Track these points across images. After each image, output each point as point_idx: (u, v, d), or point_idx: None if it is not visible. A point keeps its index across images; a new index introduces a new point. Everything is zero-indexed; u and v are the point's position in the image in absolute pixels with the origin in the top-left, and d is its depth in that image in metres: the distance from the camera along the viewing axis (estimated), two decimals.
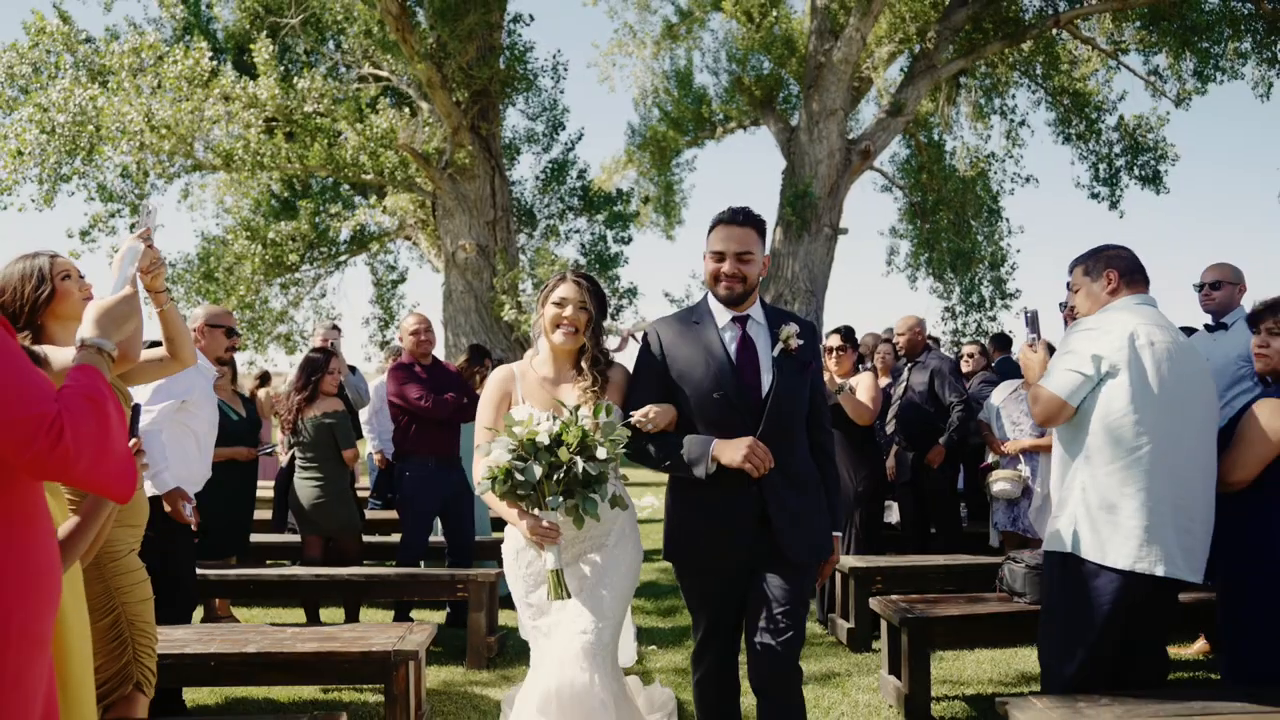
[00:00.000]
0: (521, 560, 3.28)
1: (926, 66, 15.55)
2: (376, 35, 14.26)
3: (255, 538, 6.19)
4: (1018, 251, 18.02)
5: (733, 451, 2.99)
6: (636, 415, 3.08)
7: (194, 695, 4.43)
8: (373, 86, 15.28)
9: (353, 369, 8.03)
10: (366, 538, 6.54)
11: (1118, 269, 3.47)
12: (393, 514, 7.47)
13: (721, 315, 3.21)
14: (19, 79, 15.16)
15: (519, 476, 2.89)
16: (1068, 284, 3.66)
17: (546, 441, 2.90)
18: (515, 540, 3.30)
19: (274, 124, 14.16)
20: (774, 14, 16.80)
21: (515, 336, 13.96)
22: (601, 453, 2.90)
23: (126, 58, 13.82)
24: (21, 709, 1.80)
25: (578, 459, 2.89)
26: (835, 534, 3.32)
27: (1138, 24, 16.08)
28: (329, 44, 16.93)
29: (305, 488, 5.85)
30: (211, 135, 14.00)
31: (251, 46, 13.85)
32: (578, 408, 3.05)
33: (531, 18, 14.16)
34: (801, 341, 3.15)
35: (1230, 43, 15.57)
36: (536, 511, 3.02)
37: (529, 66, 13.98)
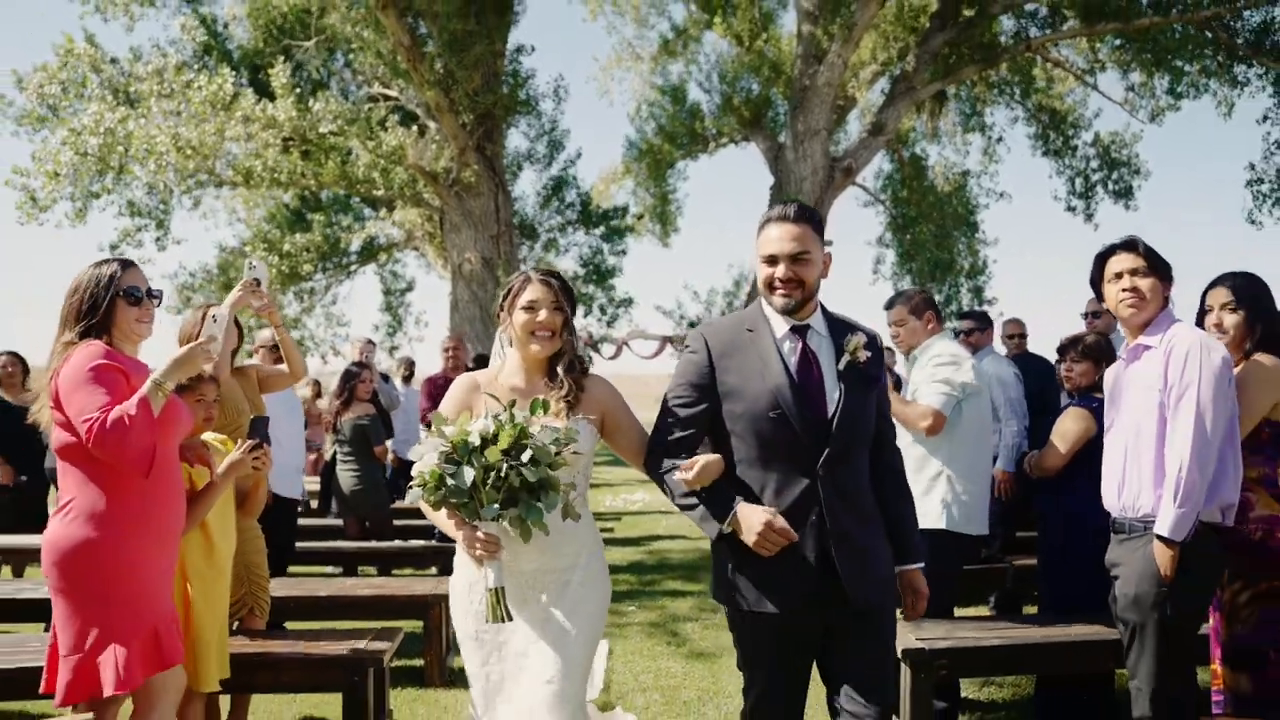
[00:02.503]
0: (475, 594, 3.01)
1: (906, 88, 16.94)
2: (387, 59, 15.67)
3: (302, 521, 7.59)
4: (994, 261, 19.46)
5: (748, 530, 2.73)
6: (681, 472, 2.79)
7: None
8: (382, 106, 16.70)
9: (385, 377, 9.48)
10: (395, 521, 7.98)
11: (933, 310, 4.90)
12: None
13: (779, 324, 2.92)
14: (48, 98, 16.60)
15: (450, 482, 2.72)
16: (889, 320, 5.01)
17: (478, 442, 2.72)
18: (467, 571, 3.07)
19: (290, 142, 15.61)
20: (763, 36, 18.22)
21: None
22: (543, 447, 2.73)
23: (153, 81, 15.19)
24: (151, 604, 3.11)
25: (518, 463, 2.71)
26: (916, 566, 3.04)
27: (1117, 41, 17.35)
28: (339, 62, 18.42)
29: (345, 478, 7.30)
30: (232, 154, 15.44)
31: (270, 72, 15.25)
32: (513, 403, 2.84)
33: (533, 48, 15.62)
34: (870, 354, 2.91)
35: (1196, 62, 16.85)
36: (476, 523, 2.83)
37: (530, 93, 15.38)
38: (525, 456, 2.71)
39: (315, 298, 18.34)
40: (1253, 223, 16.53)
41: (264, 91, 15.59)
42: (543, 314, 3.02)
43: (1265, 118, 16.08)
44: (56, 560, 3.07)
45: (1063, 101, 18.80)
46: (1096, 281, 3.75)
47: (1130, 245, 3.60)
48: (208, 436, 3.82)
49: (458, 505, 2.77)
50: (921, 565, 3.06)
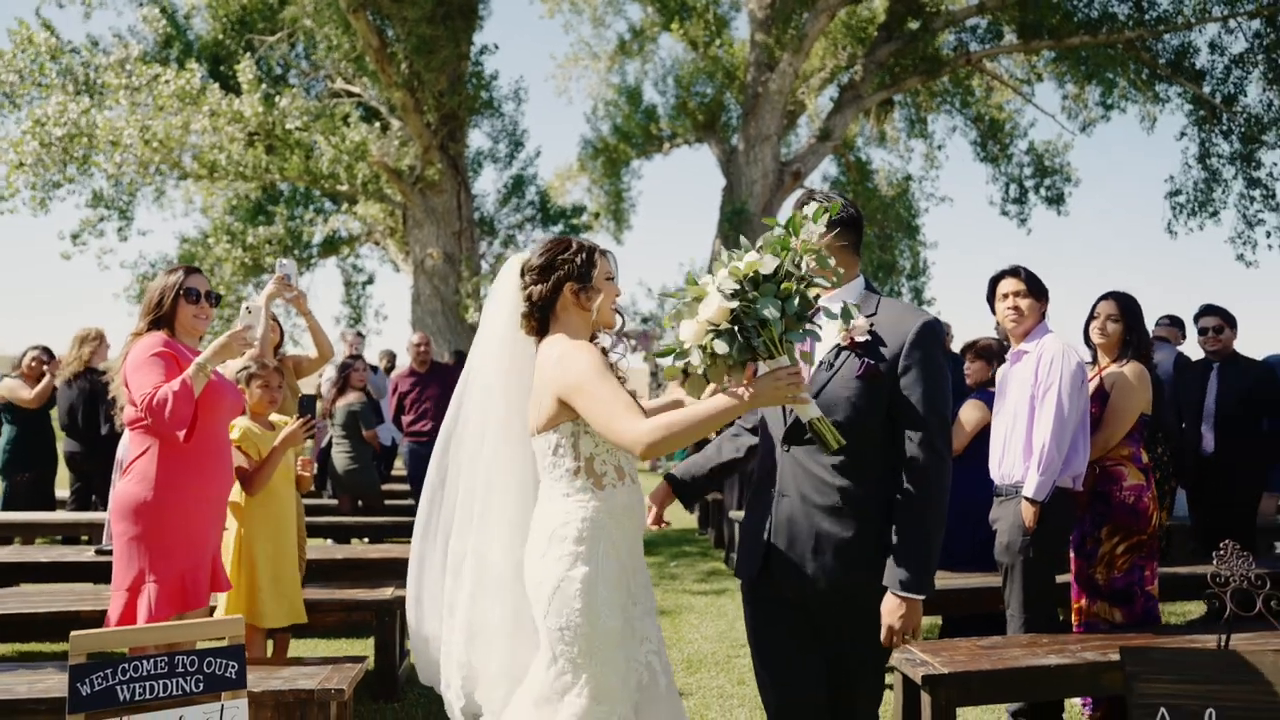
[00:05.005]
0: (617, 591, 2.82)
1: (854, 96, 18.16)
2: (351, 54, 16.35)
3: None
4: (934, 263, 20.85)
5: None
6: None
7: None
8: (346, 102, 17.42)
9: (374, 369, 10.36)
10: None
11: None
12: (398, 484, 9.88)
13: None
14: (4, 85, 16.99)
15: (750, 325, 2.53)
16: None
17: (771, 270, 2.53)
18: (608, 566, 2.82)
19: (255, 137, 16.26)
20: (718, 42, 19.30)
21: None
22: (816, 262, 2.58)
23: (117, 74, 15.74)
24: (182, 554, 3.71)
25: (806, 281, 2.57)
26: (909, 596, 2.72)
27: (1052, 55, 18.65)
28: (299, 56, 19.08)
29: (340, 459, 8.20)
30: (196, 147, 16.06)
31: (236, 66, 15.90)
32: (776, 229, 2.67)
33: (496, 46, 16.50)
34: (868, 338, 2.79)
35: (1123, 77, 18.28)
36: (764, 366, 2.60)
37: (493, 94, 16.26)
38: (805, 275, 2.59)
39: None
40: (1171, 233, 18.05)
41: (225, 84, 16.22)
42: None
43: (1183, 134, 17.60)
44: (117, 510, 3.77)
45: (1000, 111, 20.19)
46: (990, 299, 4.87)
47: (1015, 272, 4.72)
48: (274, 417, 4.76)
49: (752, 352, 2.57)
50: (906, 594, 2.72)
